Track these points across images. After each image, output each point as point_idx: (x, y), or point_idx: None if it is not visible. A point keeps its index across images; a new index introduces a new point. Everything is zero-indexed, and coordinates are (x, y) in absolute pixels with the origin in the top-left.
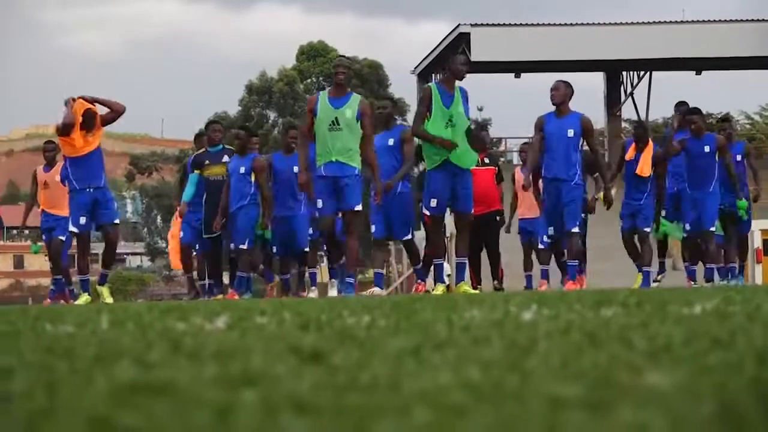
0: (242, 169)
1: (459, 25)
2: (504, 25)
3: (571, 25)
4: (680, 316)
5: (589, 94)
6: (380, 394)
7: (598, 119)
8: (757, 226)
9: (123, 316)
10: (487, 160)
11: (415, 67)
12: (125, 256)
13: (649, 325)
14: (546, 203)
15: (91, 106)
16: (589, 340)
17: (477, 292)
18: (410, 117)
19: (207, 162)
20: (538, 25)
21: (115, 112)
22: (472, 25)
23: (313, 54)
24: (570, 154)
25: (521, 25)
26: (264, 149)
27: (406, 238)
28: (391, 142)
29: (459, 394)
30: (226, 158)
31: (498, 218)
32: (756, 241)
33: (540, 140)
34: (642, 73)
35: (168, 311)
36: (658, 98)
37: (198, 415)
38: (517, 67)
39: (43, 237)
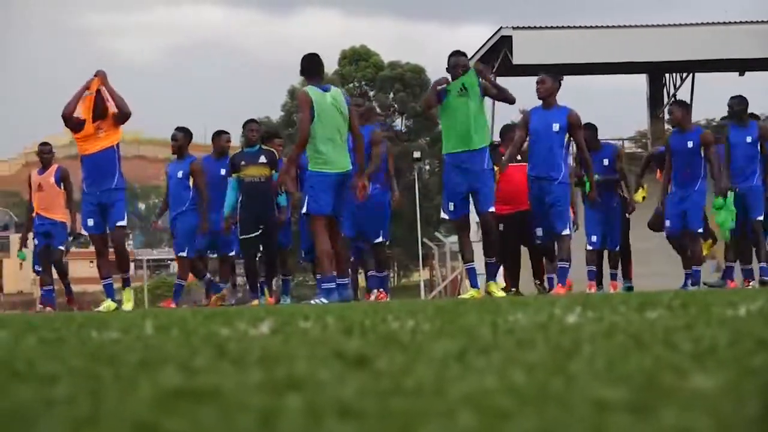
0: (180, 173)
1: (501, 28)
2: (546, 27)
3: (613, 27)
4: (725, 318)
5: (632, 96)
6: (425, 398)
7: (642, 121)
8: None
9: (167, 321)
10: (519, 157)
11: None
12: (169, 262)
13: (693, 327)
14: (531, 203)
15: (103, 87)
16: (634, 342)
17: (503, 294)
18: None
19: (243, 162)
20: (580, 27)
21: (122, 113)
22: (513, 28)
23: (356, 58)
24: (554, 150)
25: (563, 27)
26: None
27: (377, 240)
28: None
29: (503, 398)
30: (263, 159)
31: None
32: None
33: (522, 137)
34: (685, 74)
35: (212, 316)
36: (701, 100)
37: (243, 420)
38: (559, 70)
39: (35, 241)
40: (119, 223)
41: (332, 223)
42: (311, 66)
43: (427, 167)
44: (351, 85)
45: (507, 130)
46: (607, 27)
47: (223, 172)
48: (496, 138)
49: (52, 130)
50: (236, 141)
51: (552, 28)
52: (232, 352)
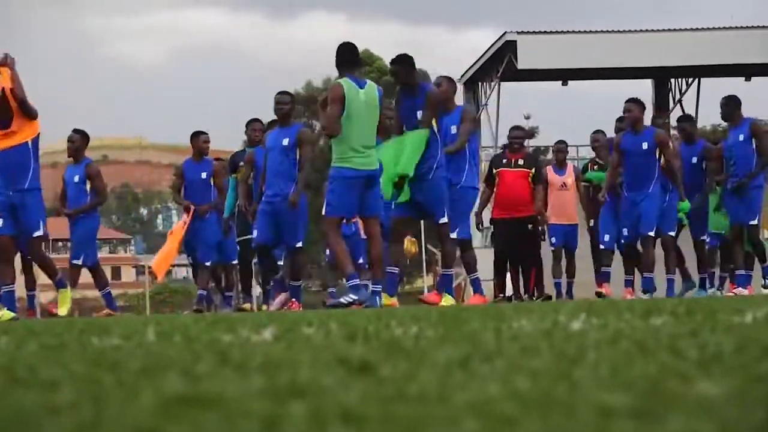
0: (77, 178)
1: (505, 32)
2: (551, 32)
3: (619, 32)
4: (730, 325)
5: None
6: (429, 405)
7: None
8: None
9: (170, 328)
10: (521, 162)
11: (462, 75)
12: (171, 267)
13: (699, 334)
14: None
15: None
16: (639, 349)
17: (446, 304)
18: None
19: (242, 163)
20: (585, 32)
21: (23, 104)
22: (518, 32)
23: None
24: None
25: (568, 32)
26: None
27: (296, 245)
28: (285, 142)
29: (507, 405)
30: None
31: (530, 225)
32: None
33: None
34: (690, 80)
35: (215, 323)
36: (707, 105)
37: (245, 427)
38: (564, 75)
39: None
40: (35, 234)
41: (372, 224)
42: (346, 56)
43: None
44: None
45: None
46: (612, 32)
47: (204, 175)
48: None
49: (53, 137)
50: (239, 141)
51: (557, 32)
52: (235, 358)
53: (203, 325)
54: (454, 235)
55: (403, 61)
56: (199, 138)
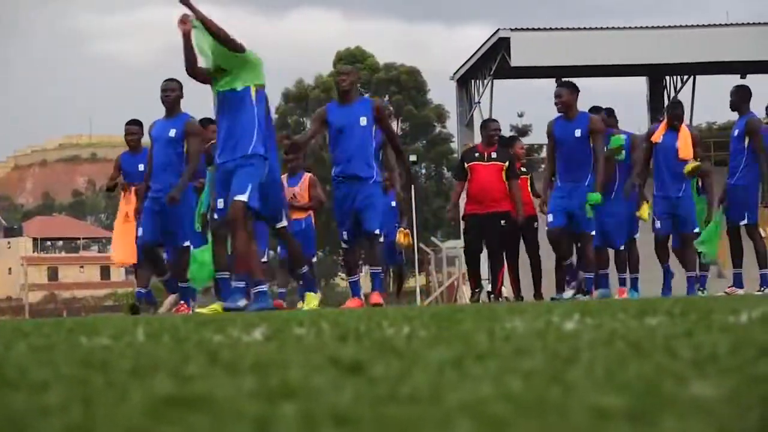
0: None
1: (499, 29)
2: (544, 29)
3: (613, 29)
4: (726, 325)
5: (632, 98)
6: (421, 405)
7: (641, 124)
8: None
9: (159, 328)
10: (494, 155)
11: (455, 73)
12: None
13: (694, 334)
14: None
15: None
16: (633, 349)
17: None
18: (449, 124)
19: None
20: (579, 29)
21: None
22: (511, 29)
23: (351, 60)
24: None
25: (562, 29)
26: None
27: (183, 245)
28: (172, 133)
29: (501, 406)
30: None
31: (503, 221)
32: None
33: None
34: (685, 77)
35: (204, 323)
36: (702, 102)
37: (236, 428)
38: (558, 72)
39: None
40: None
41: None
42: None
43: (424, 171)
44: None
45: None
46: (607, 29)
47: (141, 167)
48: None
49: (42, 135)
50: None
51: (550, 29)
52: (225, 358)
53: (193, 326)
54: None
55: None
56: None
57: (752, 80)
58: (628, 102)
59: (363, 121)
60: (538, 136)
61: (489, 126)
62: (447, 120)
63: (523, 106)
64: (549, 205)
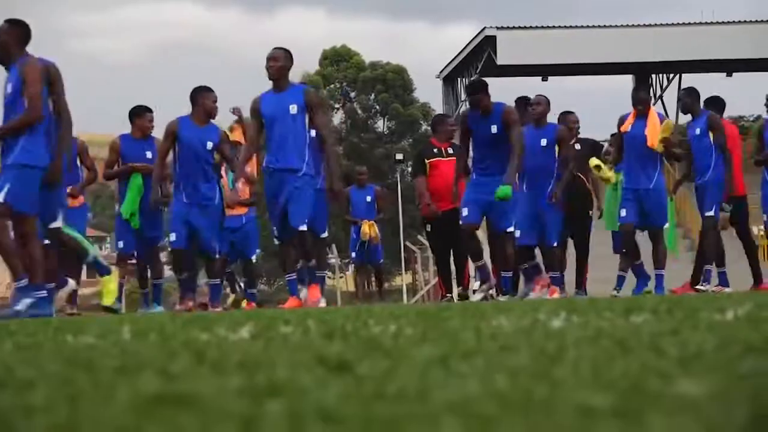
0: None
1: (485, 28)
2: (530, 27)
3: (599, 27)
4: (712, 323)
5: (617, 96)
6: (408, 404)
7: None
8: None
9: (145, 326)
10: (450, 150)
11: (441, 71)
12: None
13: (680, 332)
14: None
15: None
16: (619, 347)
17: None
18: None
19: None
20: (564, 27)
21: None
22: (497, 28)
23: (337, 59)
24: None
25: (547, 27)
26: None
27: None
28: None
29: (487, 404)
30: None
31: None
32: None
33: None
34: (671, 75)
35: (191, 321)
36: None
37: (223, 427)
38: (543, 71)
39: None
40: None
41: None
42: None
43: (410, 169)
44: (332, 86)
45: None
46: (593, 27)
47: (149, 155)
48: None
49: None
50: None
51: (536, 28)
52: (212, 357)
53: (179, 324)
54: (324, 234)
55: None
56: (144, 117)
57: (738, 78)
58: (613, 100)
59: (293, 109)
60: None
61: (446, 121)
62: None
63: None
64: (463, 199)
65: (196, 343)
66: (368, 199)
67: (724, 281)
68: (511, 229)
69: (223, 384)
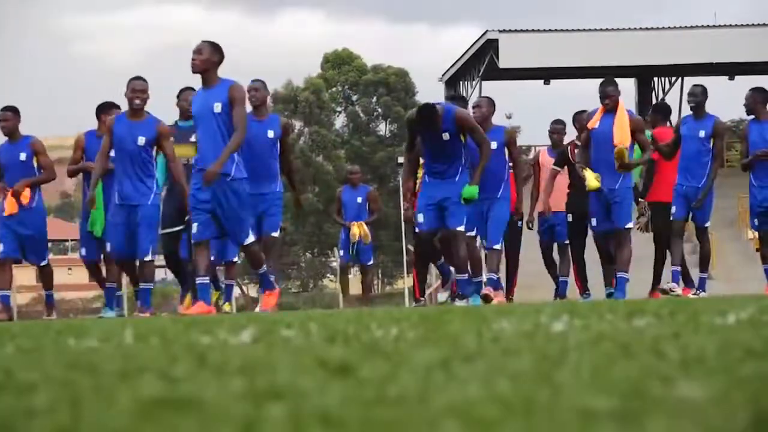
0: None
1: (487, 31)
2: (532, 30)
3: (601, 30)
4: (713, 326)
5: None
6: (409, 407)
7: None
8: None
9: (147, 330)
10: None
11: (443, 74)
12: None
13: (681, 336)
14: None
15: None
16: (621, 351)
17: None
18: None
19: (172, 139)
20: (567, 30)
21: None
22: (500, 31)
23: (338, 62)
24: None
25: (550, 30)
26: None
27: (42, 263)
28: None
29: (488, 408)
30: (194, 138)
31: None
32: None
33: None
34: (674, 78)
35: (192, 325)
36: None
37: (224, 430)
38: (546, 74)
39: None
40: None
41: None
42: None
43: None
44: (334, 89)
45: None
46: (595, 30)
47: (113, 152)
48: None
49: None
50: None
51: (538, 31)
52: (213, 360)
53: (181, 327)
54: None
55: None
56: (111, 111)
57: (740, 82)
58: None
59: (217, 107)
60: (527, 137)
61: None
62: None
63: (512, 108)
64: (417, 205)
65: (197, 346)
66: (359, 200)
67: (702, 286)
68: (461, 228)
69: (224, 387)
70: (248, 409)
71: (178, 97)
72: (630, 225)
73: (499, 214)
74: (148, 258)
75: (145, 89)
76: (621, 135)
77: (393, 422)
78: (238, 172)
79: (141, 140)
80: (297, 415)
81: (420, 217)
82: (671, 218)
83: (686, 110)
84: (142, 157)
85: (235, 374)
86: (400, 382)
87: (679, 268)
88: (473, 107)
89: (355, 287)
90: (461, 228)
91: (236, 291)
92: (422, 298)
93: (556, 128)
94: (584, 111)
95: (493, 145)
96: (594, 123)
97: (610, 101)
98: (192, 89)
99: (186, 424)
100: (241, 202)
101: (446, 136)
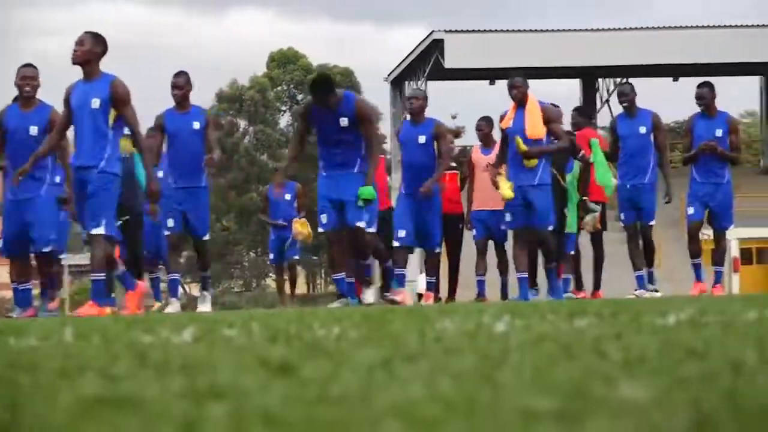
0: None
1: (433, 31)
2: (478, 31)
3: (547, 31)
4: (655, 327)
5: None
6: (351, 407)
7: None
8: (734, 235)
9: (87, 329)
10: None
11: (389, 74)
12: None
13: (623, 336)
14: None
15: None
16: (563, 351)
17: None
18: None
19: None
20: (513, 31)
21: None
22: (446, 31)
23: (284, 61)
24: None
25: (496, 31)
26: (235, 157)
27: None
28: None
29: (430, 407)
30: (128, 131)
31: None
32: (733, 250)
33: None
34: (618, 79)
35: (134, 323)
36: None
37: (165, 429)
38: (491, 74)
39: None
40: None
41: None
42: None
43: None
44: (279, 88)
45: None
46: (540, 31)
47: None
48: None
49: None
50: None
51: (485, 31)
52: (155, 359)
53: (122, 326)
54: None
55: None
56: None
57: (685, 83)
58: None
59: (95, 103)
60: (473, 138)
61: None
62: (380, 121)
63: (457, 108)
64: (318, 203)
65: (138, 345)
66: (287, 197)
67: (642, 284)
68: (361, 224)
69: (165, 386)
70: (189, 408)
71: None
72: (551, 227)
73: (431, 214)
74: (46, 250)
75: (36, 76)
76: (533, 127)
77: (335, 422)
78: (108, 166)
79: (33, 129)
80: (238, 415)
81: (323, 218)
82: (622, 225)
83: None
84: (35, 148)
85: (177, 373)
86: (342, 382)
87: (643, 272)
88: (409, 99)
89: (300, 288)
90: (362, 224)
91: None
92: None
93: (480, 125)
94: (556, 106)
95: (422, 139)
96: (507, 122)
97: (518, 92)
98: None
99: (127, 423)
100: (102, 191)
101: (344, 122)
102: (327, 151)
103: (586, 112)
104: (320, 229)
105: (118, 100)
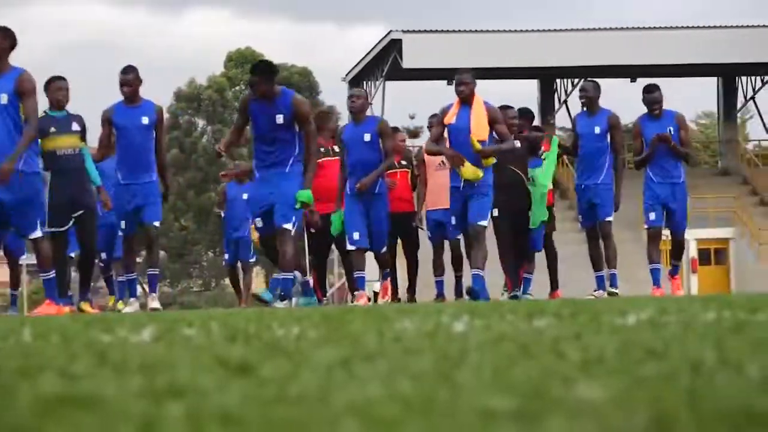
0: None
1: (391, 31)
2: (437, 31)
3: (505, 31)
4: (614, 327)
5: (522, 102)
6: (309, 406)
7: None
8: (692, 235)
9: (46, 328)
10: (336, 149)
11: (347, 74)
12: None
13: (582, 336)
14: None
15: None
16: (522, 351)
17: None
18: (341, 125)
19: (53, 129)
20: (471, 31)
21: None
22: (403, 31)
23: (242, 61)
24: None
25: (454, 31)
26: (193, 157)
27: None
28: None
29: (389, 407)
30: (75, 126)
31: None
32: (691, 250)
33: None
34: (576, 80)
35: (93, 323)
36: None
37: (123, 428)
38: (449, 74)
39: None
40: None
41: None
42: None
43: None
44: (237, 87)
45: None
46: (498, 32)
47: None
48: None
49: None
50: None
51: (443, 31)
52: (114, 358)
53: (81, 325)
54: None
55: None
56: (49, 91)
57: (642, 84)
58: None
59: (3, 98)
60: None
61: (332, 117)
62: (338, 121)
63: (415, 108)
64: (252, 206)
65: (97, 344)
66: (245, 196)
67: (602, 285)
68: (287, 226)
69: (124, 385)
70: (148, 407)
71: (47, 87)
72: (484, 223)
73: (379, 214)
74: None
75: None
76: (478, 128)
77: (293, 421)
78: (27, 166)
79: None
80: (196, 414)
81: (258, 222)
82: (579, 227)
83: None
84: None
85: (135, 372)
86: (301, 382)
87: (602, 273)
88: (350, 97)
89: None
90: (288, 226)
91: (138, 289)
92: (324, 298)
93: (431, 122)
94: (510, 107)
95: (367, 137)
96: (450, 118)
97: (465, 88)
98: (62, 78)
99: (86, 422)
100: (31, 195)
101: (280, 119)
102: (262, 150)
103: (527, 114)
104: (258, 235)
105: (22, 92)
